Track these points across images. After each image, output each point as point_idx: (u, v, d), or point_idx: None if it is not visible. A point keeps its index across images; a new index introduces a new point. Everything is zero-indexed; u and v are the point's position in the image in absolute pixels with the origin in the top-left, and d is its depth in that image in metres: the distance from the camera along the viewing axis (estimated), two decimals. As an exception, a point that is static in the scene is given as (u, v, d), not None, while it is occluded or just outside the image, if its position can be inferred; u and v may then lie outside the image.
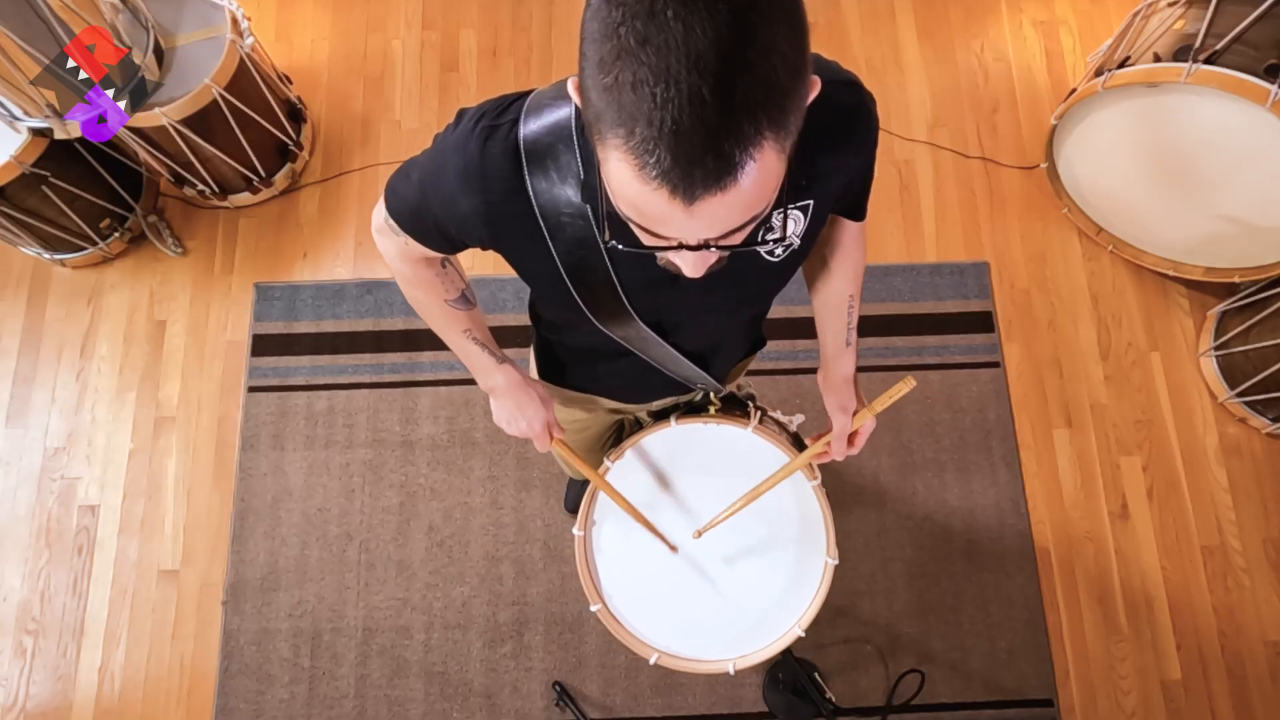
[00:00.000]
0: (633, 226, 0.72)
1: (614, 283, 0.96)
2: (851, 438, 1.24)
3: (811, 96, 0.67)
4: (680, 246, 0.70)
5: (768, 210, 0.70)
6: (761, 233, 0.78)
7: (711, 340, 1.18)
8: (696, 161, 0.60)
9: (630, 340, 1.08)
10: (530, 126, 0.85)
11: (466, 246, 1.00)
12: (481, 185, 0.87)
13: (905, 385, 1.12)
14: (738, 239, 0.71)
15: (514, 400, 1.27)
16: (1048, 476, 2.37)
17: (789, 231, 0.94)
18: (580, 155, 0.84)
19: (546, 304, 1.20)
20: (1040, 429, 2.41)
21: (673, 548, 1.31)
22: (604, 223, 0.77)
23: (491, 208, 0.89)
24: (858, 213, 1.09)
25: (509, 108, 0.87)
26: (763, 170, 0.63)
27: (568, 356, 1.32)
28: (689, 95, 0.58)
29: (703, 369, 1.18)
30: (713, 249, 0.71)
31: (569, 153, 0.84)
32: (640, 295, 0.98)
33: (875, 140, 0.94)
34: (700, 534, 1.29)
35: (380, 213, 1.07)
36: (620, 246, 0.76)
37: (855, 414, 1.22)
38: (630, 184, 0.64)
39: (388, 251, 1.13)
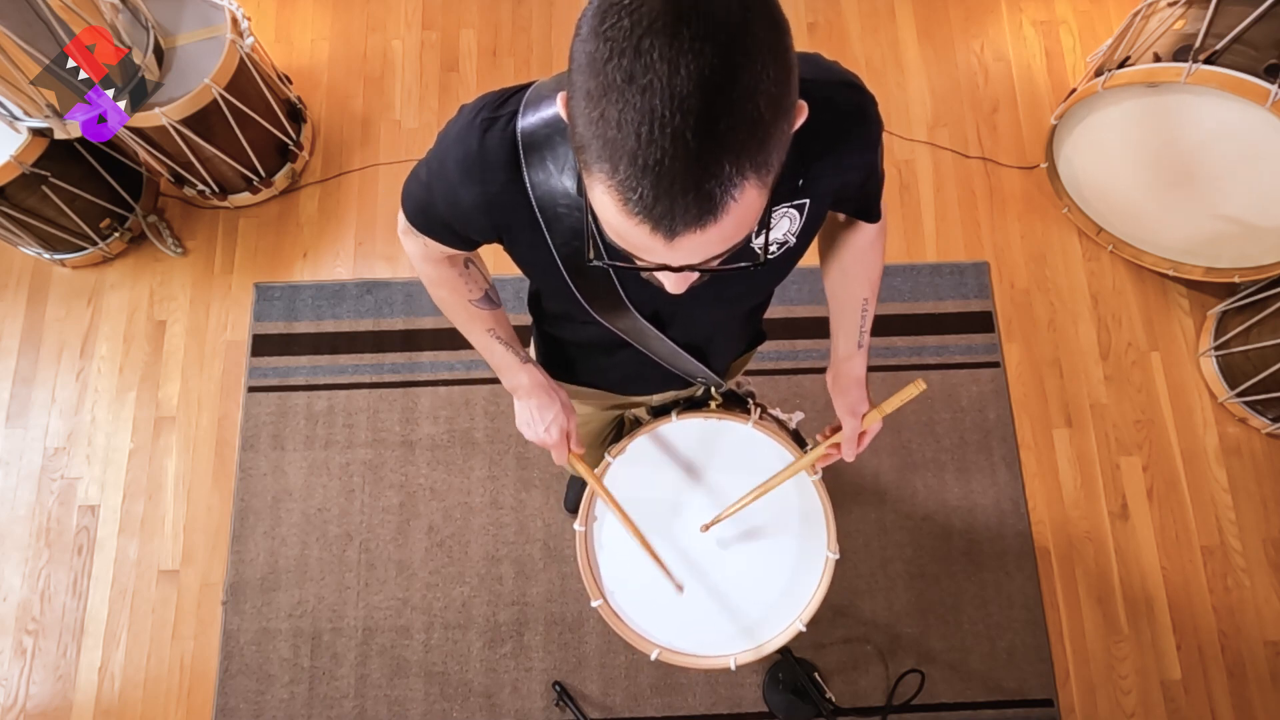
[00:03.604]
0: (617, 247, 0.73)
1: (610, 274, 0.97)
2: (859, 438, 1.24)
3: (798, 123, 0.68)
4: (663, 267, 0.71)
5: (749, 238, 0.71)
6: (753, 234, 0.78)
7: (709, 333, 1.18)
8: (678, 200, 0.61)
9: (628, 332, 1.08)
10: (529, 119, 0.85)
11: (474, 241, 1.01)
12: (480, 176, 0.88)
13: (915, 388, 1.12)
14: (718, 262, 0.73)
15: (536, 402, 1.26)
16: (1048, 476, 2.37)
17: (784, 230, 0.95)
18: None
19: (546, 295, 1.21)
20: (1040, 429, 2.41)
21: (679, 587, 1.29)
22: (590, 240, 0.78)
23: (490, 198, 0.89)
24: (871, 214, 1.09)
25: (509, 100, 0.88)
26: (743, 206, 0.64)
27: (569, 350, 1.33)
28: (672, 136, 0.59)
29: (701, 362, 1.19)
30: (694, 270, 0.72)
31: (566, 145, 0.85)
32: (636, 287, 0.99)
33: (877, 141, 0.94)
34: (707, 528, 1.29)
35: (402, 215, 1.08)
36: (604, 264, 0.78)
37: (864, 416, 1.22)
38: (614, 215, 0.65)
39: (411, 253, 1.14)
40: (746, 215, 0.66)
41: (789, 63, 0.63)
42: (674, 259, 0.69)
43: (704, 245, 0.66)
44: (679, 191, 0.61)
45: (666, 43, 0.58)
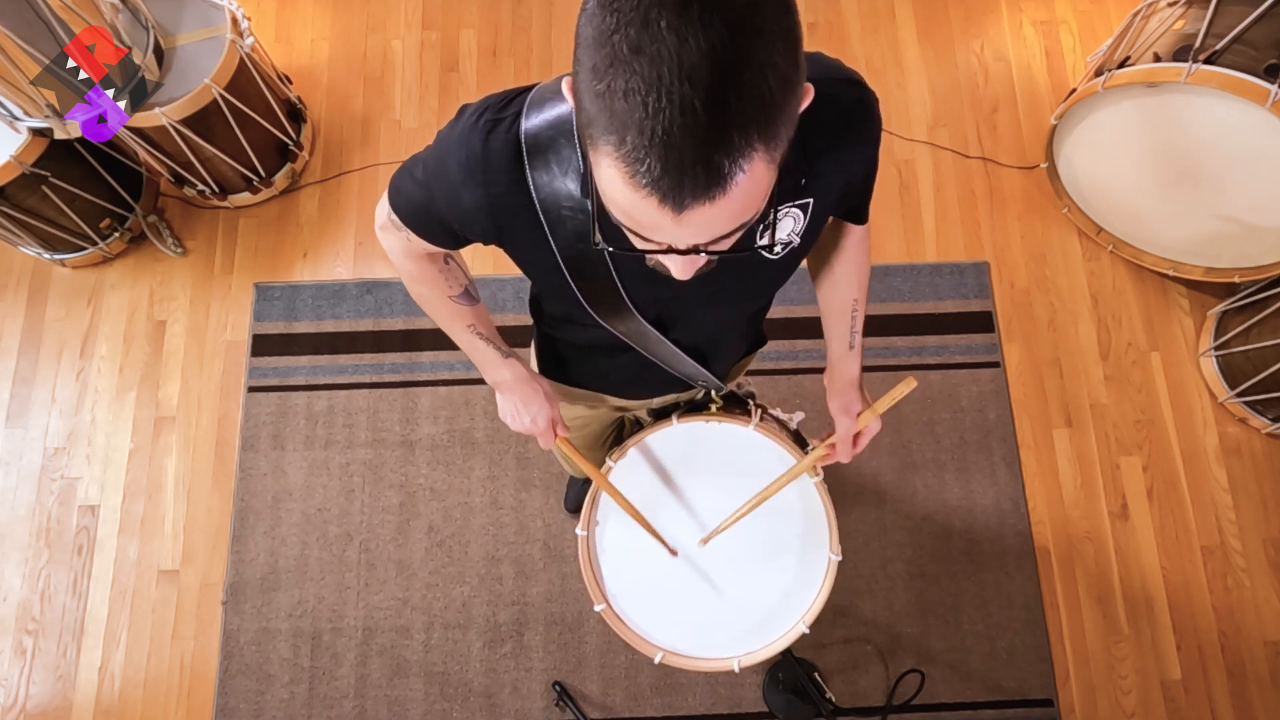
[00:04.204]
0: (623, 229, 0.72)
1: (613, 277, 0.97)
2: (855, 438, 1.24)
3: (805, 104, 0.68)
4: (669, 250, 0.71)
5: (756, 217, 0.70)
6: (760, 231, 0.78)
7: (711, 336, 1.18)
8: (686, 172, 0.61)
9: (630, 335, 1.08)
10: (532, 120, 0.85)
11: (469, 241, 1.01)
12: (484, 179, 0.88)
13: (906, 386, 1.12)
14: (726, 244, 0.72)
15: (519, 395, 1.27)
16: (1048, 476, 2.37)
17: (788, 230, 0.95)
18: (581, 150, 0.84)
19: (547, 297, 1.21)
20: (1040, 429, 2.41)
21: (672, 551, 1.30)
22: (595, 224, 0.78)
23: (494, 201, 0.89)
24: (859, 215, 1.10)
25: (511, 101, 0.88)
26: (752, 180, 0.64)
27: (569, 352, 1.33)
28: (680, 106, 0.58)
29: (703, 365, 1.19)
30: (701, 253, 0.71)
31: (570, 147, 0.85)
32: (639, 289, 0.99)
33: (877, 138, 0.95)
34: (705, 541, 1.29)
35: (383, 209, 1.08)
36: (610, 249, 0.77)
37: (859, 415, 1.22)
38: (620, 190, 0.65)
39: (391, 248, 1.14)
40: (755, 191, 0.65)
41: (797, 42, 0.63)
42: (681, 237, 0.68)
43: (712, 221, 0.66)
44: (687, 162, 0.60)
45: (675, 15, 0.58)
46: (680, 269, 0.79)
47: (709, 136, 0.60)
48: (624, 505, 1.29)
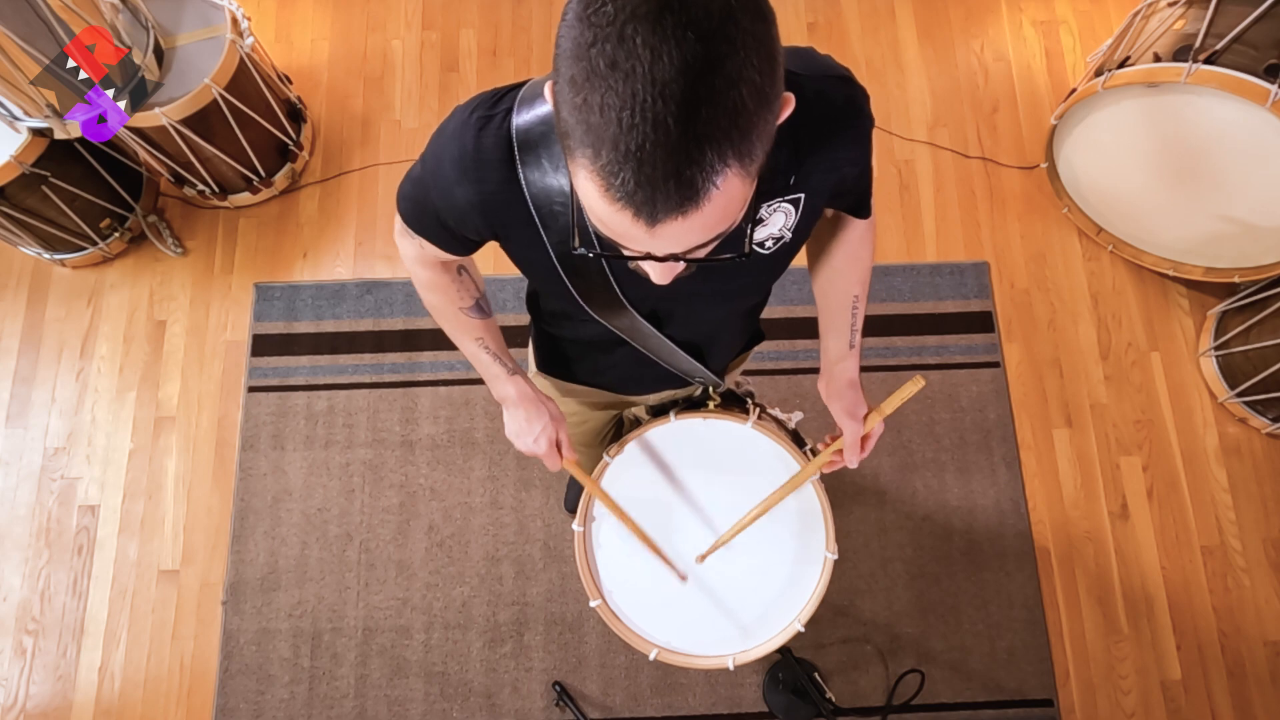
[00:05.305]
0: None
1: (606, 273, 0.97)
2: (862, 442, 1.22)
3: (785, 114, 0.68)
4: (648, 256, 0.71)
5: (733, 227, 0.71)
6: (749, 233, 0.78)
7: (707, 331, 1.18)
8: (659, 187, 0.61)
9: (626, 331, 1.08)
10: (523, 117, 0.85)
11: (470, 241, 1.01)
12: (476, 175, 0.88)
13: (914, 385, 1.12)
14: (703, 253, 0.73)
15: (524, 413, 1.24)
16: (1048, 476, 2.37)
17: (780, 225, 0.95)
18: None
19: (544, 294, 1.21)
20: (1040, 429, 2.41)
21: (682, 576, 1.28)
22: (575, 229, 0.78)
23: (486, 197, 0.89)
24: (861, 209, 1.09)
25: (503, 98, 0.88)
26: (725, 195, 0.64)
27: (567, 349, 1.32)
28: (653, 122, 0.59)
29: (699, 361, 1.19)
30: (680, 260, 0.72)
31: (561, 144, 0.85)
32: (633, 285, 0.99)
33: (868, 134, 0.95)
34: (703, 559, 1.29)
35: (398, 216, 1.08)
36: (589, 253, 0.78)
37: (865, 418, 1.21)
38: (596, 201, 0.65)
39: (406, 254, 1.14)
40: (729, 205, 0.66)
41: (774, 53, 0.63)
42: (657, 247, 0.69)
43: (686, 233, 0.66)
44: (660, 178, 0.61)
45: (650, 29, 0.58)
46: (658, 275, 0.79)
47: (681, 152, 0.60)
48: (632, 528, 1.27)
